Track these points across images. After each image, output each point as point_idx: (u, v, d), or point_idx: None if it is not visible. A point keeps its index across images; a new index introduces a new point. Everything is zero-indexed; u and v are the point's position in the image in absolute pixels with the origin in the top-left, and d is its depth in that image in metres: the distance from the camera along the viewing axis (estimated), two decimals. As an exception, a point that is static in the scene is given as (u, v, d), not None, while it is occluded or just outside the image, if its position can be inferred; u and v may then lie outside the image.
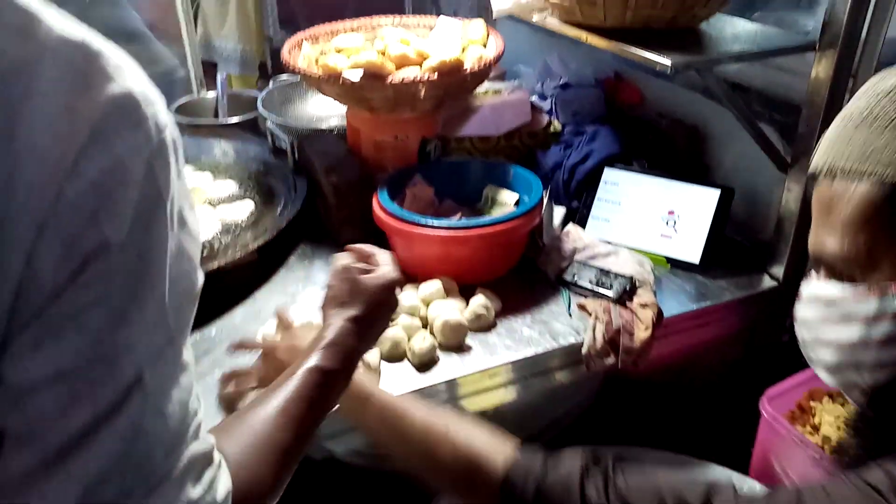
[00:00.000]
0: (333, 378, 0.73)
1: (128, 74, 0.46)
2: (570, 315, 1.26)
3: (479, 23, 1.56)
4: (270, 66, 4.30)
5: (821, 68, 1.17)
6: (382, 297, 0.84)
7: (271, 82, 1.87)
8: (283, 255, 1.45)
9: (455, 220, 1.31)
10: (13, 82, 0.41)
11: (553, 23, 1.35)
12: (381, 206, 1.32)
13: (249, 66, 3.94)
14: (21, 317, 0.43)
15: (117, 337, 0.45)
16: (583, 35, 1.27)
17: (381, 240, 1.32)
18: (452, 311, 1.19)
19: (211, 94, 2.00)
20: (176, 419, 0.49)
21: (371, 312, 0.82)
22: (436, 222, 1.25)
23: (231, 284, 1.32)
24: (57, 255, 0.42)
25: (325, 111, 1.86)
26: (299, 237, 1.50)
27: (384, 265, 0.88)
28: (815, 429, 1.16)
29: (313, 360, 0.71)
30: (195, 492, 0.49)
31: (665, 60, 1.10)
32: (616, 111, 1.72)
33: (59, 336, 0.43)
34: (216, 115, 1.96)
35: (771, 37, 1.26)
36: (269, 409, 0.64)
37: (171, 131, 0.48)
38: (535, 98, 1.80)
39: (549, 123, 1.69)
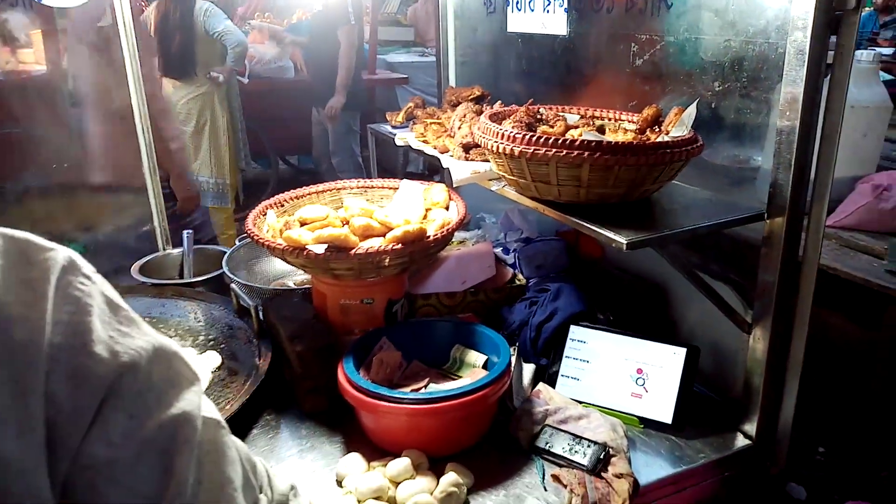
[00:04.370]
0: None
1: (52, 244, 0.56)
2: (545, 488, 1.22)
3: (441, 187, 1.61)
4: (242, 198, 4.41)
5: (771, 235, 1.22)
6: None
7: (237, 241, 1.88)
8: (247, 426, 1.40)
9: (423, 393, 1.29)
10: None
11: (510, 192, 1.40)
12: (347, 377, 1.29)
13: (223, 198, 4.03)
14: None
15: None
16: (540, 207, 1.31)
17: (349, 408, 1.29)
18: (422, 493, 1.14)
19: (177, 251, 2.00)
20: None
21: None
22: (403, 395, 1.23)
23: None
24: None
25: (291, 266, 1.87)
26: (263, 405, 1.46)
27: None
28: None
29: None
30: None
31: (620, 238, 1.13)
32: (578, 263, 1.75)
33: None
34: (181, 273, 1.95)
35: (721, 207, 1.31)
36: None
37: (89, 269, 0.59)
38: (498, 250, 1.83)
39: (514, 277, 1.71)
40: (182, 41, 3.61)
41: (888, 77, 3.44)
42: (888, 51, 4.28)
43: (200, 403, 0.61)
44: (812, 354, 1.31)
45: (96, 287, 0.57)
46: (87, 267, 0.57)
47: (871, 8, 7.56)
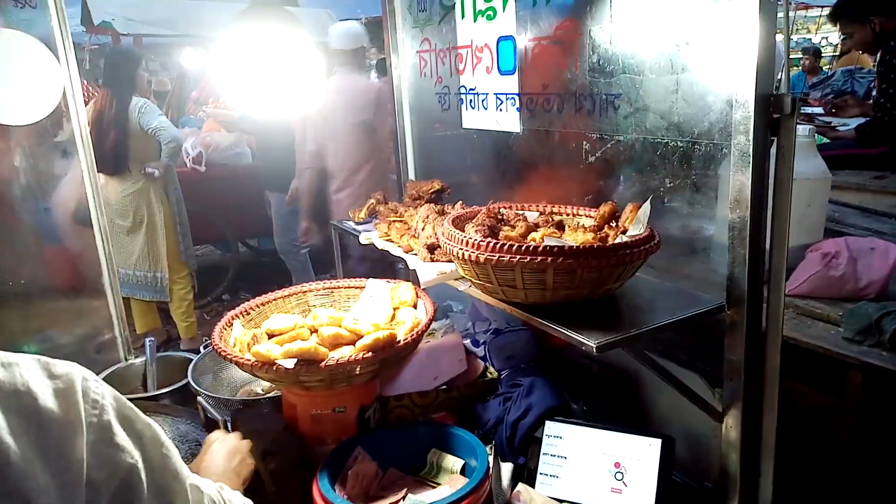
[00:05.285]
0: None
1: (58, 361, 0.70)
2: None
3: (408, 286, 1.62)
4: (197, 286, 4.34)
5: (734, 325, 1.26)
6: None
7: (202, 347, 1.84)
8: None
9: (401, 508, 1.26)
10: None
11: (478, 292, 1.42)
12: (322, 496, 1.26)
13: (161, 292, 3.97)
14: None
15: None
16: (507, 308, 1.33)
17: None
18: None
19: (139, 361, 1.95)
20: None
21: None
22: (381, 513, 1.20)
23: None
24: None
25: (258, 371, 1.84)
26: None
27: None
28: None
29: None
30: None
31: (589, 342, 1.15)
32: (546, 352, 1.77)
33: None
34: (144, 384, 1.90)
35: (684, 300, 1.34)
36: None
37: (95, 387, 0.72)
38: (467, 342, 1.84)
39: (485, 370, 1.71)
40: (116, 137, 3.63)
41: (823, 140, 3.63)
42: (818, 110, 4.50)
43: (180, 469, 0.80)
44: (780, 424, 1.33)
45: (105, 389, 0.72)
46: (91, 373, 0.72)
47: (800, 68, 8.02)
